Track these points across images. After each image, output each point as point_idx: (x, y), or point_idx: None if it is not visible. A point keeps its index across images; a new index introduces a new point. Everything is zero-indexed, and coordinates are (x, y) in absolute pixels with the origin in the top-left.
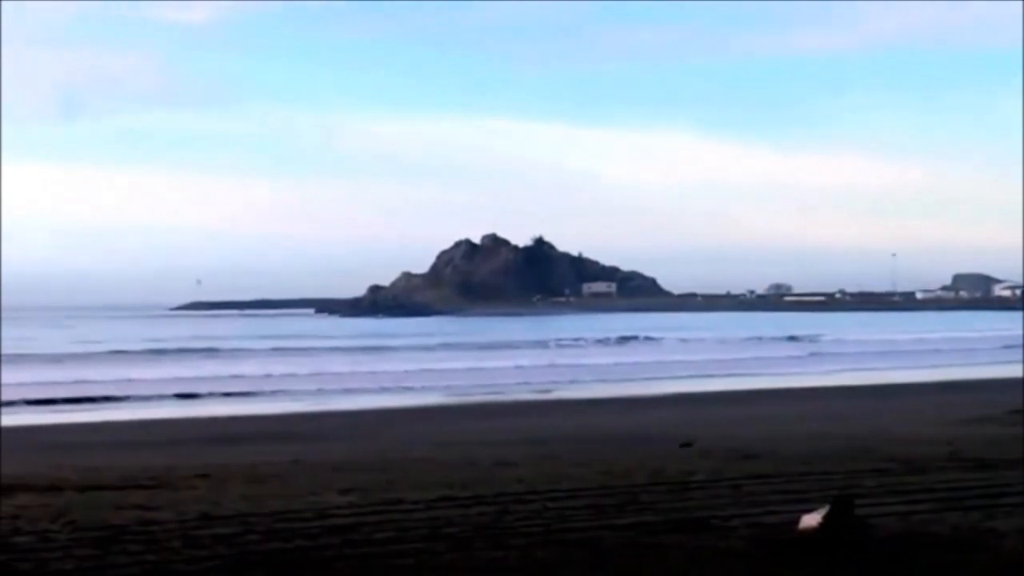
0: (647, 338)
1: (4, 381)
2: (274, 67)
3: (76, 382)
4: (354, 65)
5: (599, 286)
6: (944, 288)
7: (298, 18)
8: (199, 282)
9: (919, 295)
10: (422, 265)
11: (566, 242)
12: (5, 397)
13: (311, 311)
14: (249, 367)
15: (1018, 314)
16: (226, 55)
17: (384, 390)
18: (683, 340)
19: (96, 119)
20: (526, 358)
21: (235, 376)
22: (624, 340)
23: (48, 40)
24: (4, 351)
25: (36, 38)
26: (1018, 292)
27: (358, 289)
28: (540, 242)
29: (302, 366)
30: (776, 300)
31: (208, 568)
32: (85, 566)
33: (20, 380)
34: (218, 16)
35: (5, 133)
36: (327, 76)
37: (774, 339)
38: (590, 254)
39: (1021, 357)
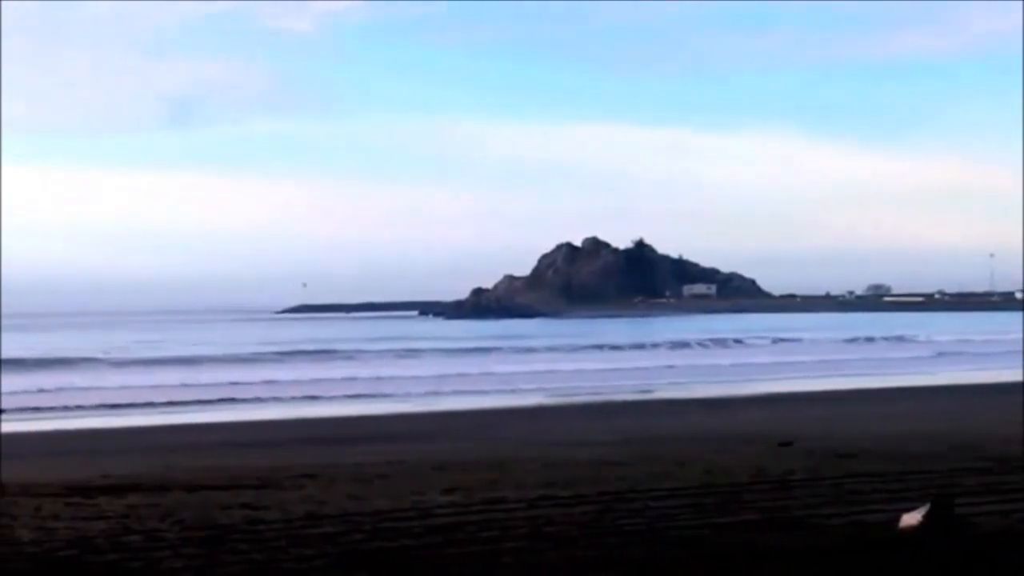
0: (747, 339)
1: (113, 384)
2: (378, 75)
3: (186, 385)
4: (457, 72)
5: (699, 288)
6: None
7: (402, 26)
8: (305, 285)
9: (1018, 295)
10: (524, 268)
11: (666, 244)
12: (116, 399)
13: (415, 313)
14: (355, 369)
15: None
16: (332, 63)
17: (488, 391)
18: (783, 341)
19: (203, 127)
20: (628, 359)
21: (342, 378)
22: (724, 341)
23: (157, 49)
24: (120, 355)
25: (145, 47)
26: None
27: (461, 292)
28: (641, 244)
29: (406, 368)
30: (875, 301)
31: (314, 567)
32: (193, 565)
33: (128, 383)
34: (324, 25)
35: (113, 142)
36: (430, 83)
37: (874, 339)
38: (690, 256)
39: None
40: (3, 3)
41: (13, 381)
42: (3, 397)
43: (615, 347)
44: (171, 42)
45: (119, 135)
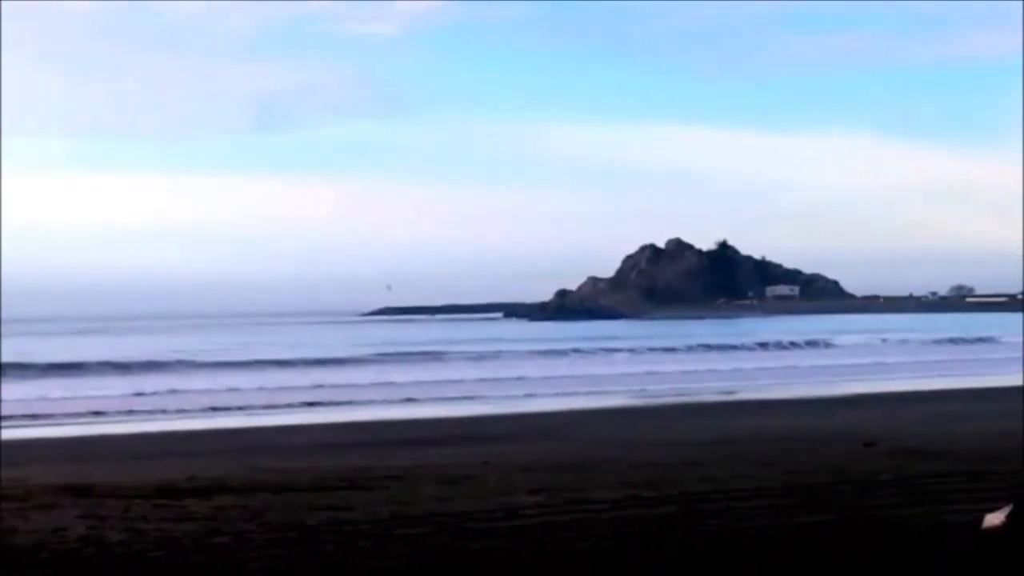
0: (830, 340)
1: (201, 386)
2: (462, 77)
3: (275, 388)
4: (540, 74)
5: (782, 289)
6: None
7: (486, 29)
8: (389, 288)
9: None
10: (608, 269)
11: (750, 245)
12: (204, 402)
13: (499, 315)
14: (440, 371)
15: None
16: (416, 66)
17: (573, 392)
18: (866, 342)
19: (289, 131)
20: (711, 360)
21: (427, 381)
22: (807, 342)
23: (243, 54)
24: (208, 357)
25: (232, 52)
26: None
27: (545, 293)
28: (724, 246)
29: (491, 369)
30: (958, 301)
31: (399, 568)
32: (279, 566)
33: (215, 385)
34: (409, 28)
35: (201, 145)
36: (513, 85)
37: (958, 340)
38: (773, 257)
39: None
40: (91, 10)
41: (107, 383)
42: (98, 400)
43: (699, 348)
44: (256, 46)
45: (206, 139)
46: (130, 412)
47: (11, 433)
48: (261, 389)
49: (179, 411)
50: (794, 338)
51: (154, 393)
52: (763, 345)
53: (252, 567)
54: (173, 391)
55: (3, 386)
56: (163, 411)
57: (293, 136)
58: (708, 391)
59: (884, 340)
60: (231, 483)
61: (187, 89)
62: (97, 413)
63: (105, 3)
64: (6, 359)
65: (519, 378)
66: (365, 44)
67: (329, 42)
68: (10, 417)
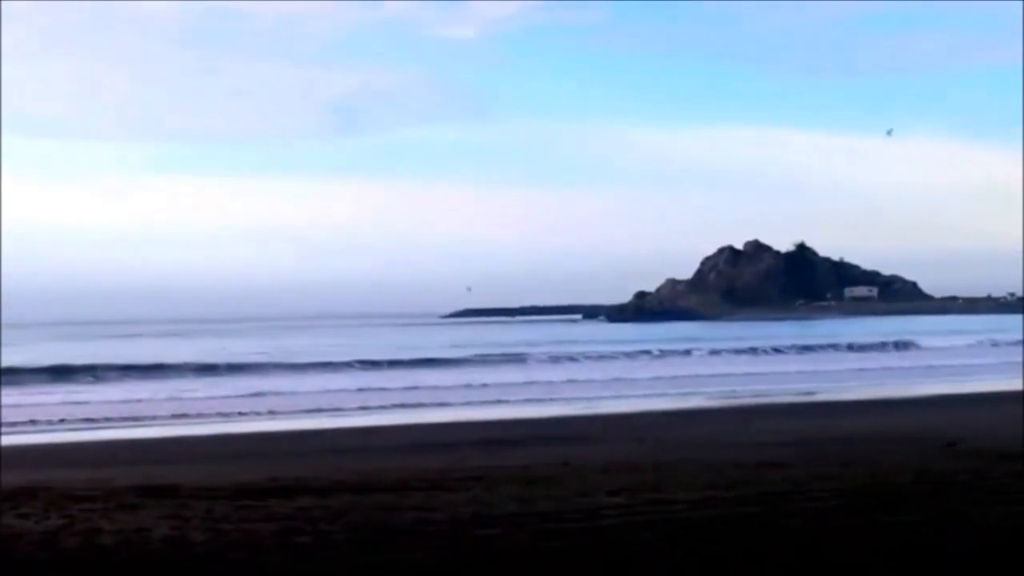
0: (909, 341)
1: (288, 388)
2: (541, 80)
3: (358, 389)
4: (618, 76)
5: (860, 290)
6: None
7: (564, 32)
8: (469, 289)
9: None
10: (686, 271)
11: (827, 247)
12: (291, 404)
13: (578, 317)
14: (520, 372)
15: None
16: (494, 69)
17: (652, 394)
18: (947, 343)
19: (367, 134)
20: (792, 361)
21: (508, 382)
22: (888, 343)
23: (320, 58)
24: (291, 359)
25: (310, 57)
26: None
27: (624, 295)
28: (802, 247)
29: (571, 370)
30: None
31: (480, 568)
32: (361, 566)
33: (299, 387)
34: (487, 31)
35: (281, 148)
36: (591, 87)
37: None
38: (851, 258)
39: None
40: (172, 15)
41: (192, 385)
42: (182, 403)
43: (777, 350)
44: (335, 50)
45: (286, 143)
46: (216, 413)
47: (95, 434)
48: (343, 391)
49: (262, 412)
50: (872, 339)
51: (238, 395)
52: (841, 346)
53: (333, 568)
54: (258, 393)
55: (89, 388)
56: (247, 412)
57: (372, 139)
58: (788, 392)
59: (964, 342)
60: (313, 484)
61: (267, 93)
62: (182, 415)
63: (186, 9)
64: (91, 361)
65: (599, 379)
66: (443, 48)
67: (408, 46)
68: (93, 419)
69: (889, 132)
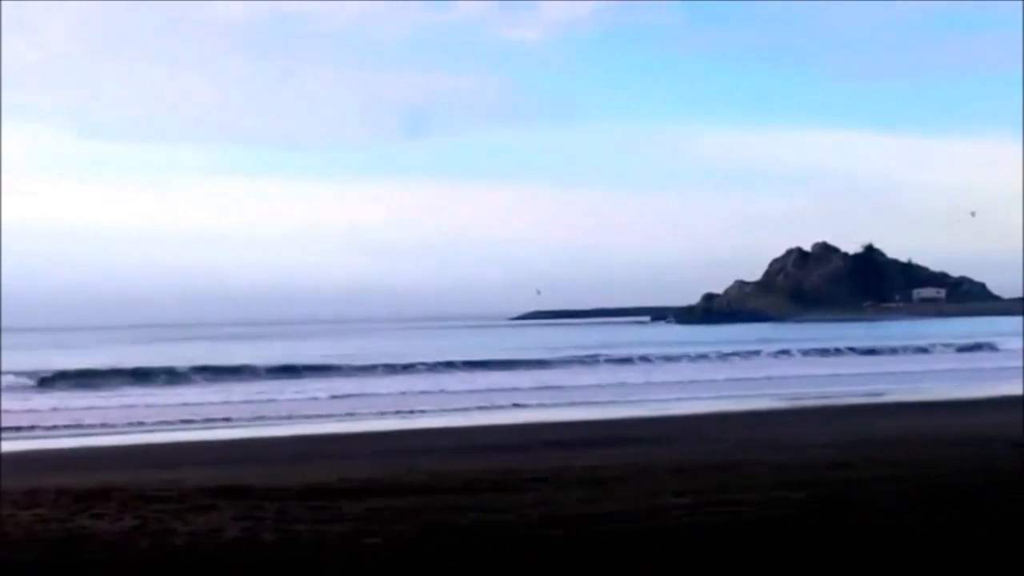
0: (978, 342)
1: (360, 390)
2: (607, 82)
3: (426, 391)
4: (686, 79)
5: (928, 291)
6: None
7: (633, 35)
8: (539, 292)
9: None
10: (754, 273)
11: (895, 248)
12: (362, 407)
13: (647, 319)
14: (589, 374)
15: None
16: (562, 72)
17: (719, 395)
18: (1016, 345)
19: (436, 137)
20: (858, 363)
21: (576, 385)
22: (953, 344)
23: (390, 62)
24: (361, 361)
25: (379, 60)
26: None
27: (692, 297)
28: (870, 249)
29: (640, 372)
30: None
31: (549, 568)
32: (429, 566)
33: (367, 389)
34: (555, 34)
35: (350, 153)
36: (659, 90)
37: None
38: (919, 260)
39: None
40: (245, 20)
41: (256, 388)
42: (254, 405)
43: (845, 351)
44: (404, 54)
45: (356, 146)
46: (288, 415)
47: (168, 436)
48: (413, 392)
49: (335, 414)
50: (940, 341)
51: (311, 397)
52: (909, 348)
53: (403, 568)
54: (330, 395)
55: (162, 390)
56: (319, 414)
57: (441, 142)
58: (856, 393)
59: None
60: (383, 485)
61: (337, 97)
62: (255, 417)
63: (257, 13)
64: (165, 364)
65: (667, 381)
66: (512, 51)
67: (476, 49)
68: (164, 422)
69: (973, 214)
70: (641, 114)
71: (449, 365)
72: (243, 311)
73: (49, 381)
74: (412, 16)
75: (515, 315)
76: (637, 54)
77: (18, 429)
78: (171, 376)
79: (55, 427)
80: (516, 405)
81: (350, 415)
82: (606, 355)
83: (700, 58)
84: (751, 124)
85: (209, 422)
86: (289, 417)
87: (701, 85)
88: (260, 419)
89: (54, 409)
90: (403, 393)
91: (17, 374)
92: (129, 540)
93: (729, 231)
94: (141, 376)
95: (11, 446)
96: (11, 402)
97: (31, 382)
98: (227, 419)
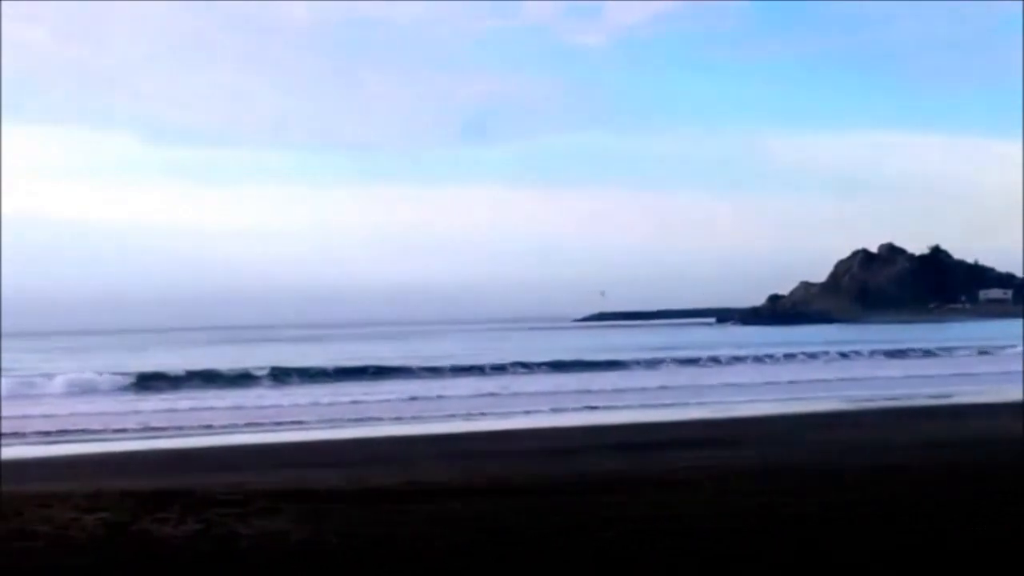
0: None
1: (426, 392)
2: (672, 86)
3: (494, 394)
4: (752, 83)
5: (995, 292)
6: None
7: (698, 38)
8: (603, 294)
9: None
10: (820, 274)
11: (961, 249)
12: (430, 409)
13: (712, 320)
14: (657, 376)
15: None
16: (625, 76)
17: (788, 397)
18: None
19: (502, 141)
20: (924, 364)
21: (645, 387)
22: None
23: (455, 66)
24: (433, 363)
25: (445, 65)
26: None
27: (757, 298)
28: (936, 250)
29: (708, 375)
30: None
31: (608, 572)
32: (499, 568)
33: (439, 391)
34: (620, 38)
35: (415, 157)
36: (726, 94)
37: None
38: (986, 261)
39: None
40: (308, 23)
41: (329, 390)
42: (318, 408)
43: (911, 352)
44: (469, 58)
45: (420, 150)
46: (356, 418)
47: (232, 439)
48: (481, 395)
49: (403, 417)
50: (1012, 341)
51: (378, 399)
52: (979, 349)
53: (469, 571)
54: (398, 397)
55: (228, 393)
56: (387, 416)
57: (506, 146)
58: (921, 395)
59: None
60: (449, 487)
61: (404, 100)
62: (322, 420)
63: (323, 16)
64: (233, 366)
65: (735, 383)
66: (576, 55)
67: (541, 53)
68: (231, 425)
69: None
70: (706, 117)
71: (514, 367)
72: (310, 314)
73: (123, 384)
74: (477, 20)
75: (579, 317)
76: (701, 58)
77: (84, 431)
78: (240, 378)
79: (123, 430)
80: (584, 407)
81: (418, 417)
82: (674, 356)
83: (766, 60)
84: (817, 126)
85: (277, 425)
86: (357, 419)
87: (767, 88)
88: (328, 421)
89: (122, 412)
90: (472, 395)
91: (89, 376)
92: (192, 543)
93: (794, 232)
94: (210, 378)
95: (76, 448)
96: (81, 404)
97: (110, 384)
98: (296, 422)
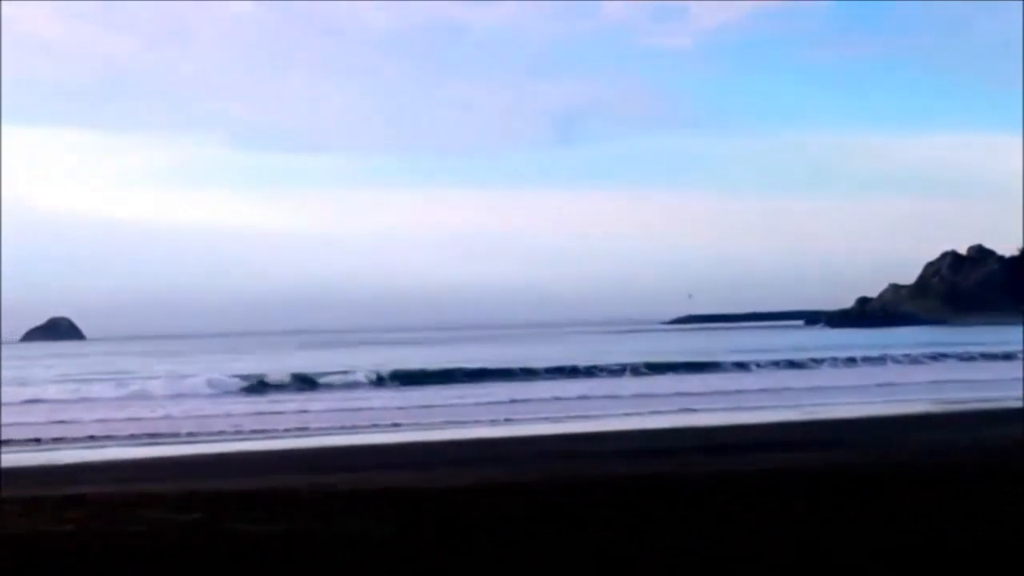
0: None
1: (518, 396)
2: (759, 88)
3: (582, 396)
4: (838, 84)
5: None
6: None
7: (784, 39)
8: (691, 296)
9: None
10: (908, 276)
11: None
12: (523, 411)
13: (800, 322)
14: (746, 379)
15: None
16: (712, 77)
17: (878, 400)
18: None
19: (586, 143)
20: (1016, 367)
21: (733, 389)
22: None
23: (538, 69)
24: (536, 365)
25: (527, 68)
26: None
27: (846, 300)
28: None
29: (797, 377)
30: None
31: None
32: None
33: (526, 395)
34: (704, 40)
35: (499, 161)
36: (812, 95)
37: None
38: None
39: None
40: (389, 28)
41: (425, 393)
42: (390, 412)
43: (1002, 355)
44: (551, 61)
45: (504, 154)
46: (454, 420)
47: (324, 441)
48: (571, 398)
49: (497, 420)
50: None
51: (475, 402)
52: None
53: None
54: (514, 400)
55: (323, 395)
56: (487, 419)
57: (591, 149)
58: (1012, 397)
59: None
60: (523, 487)
61: (487, 104)
62: (418, 423)
63: (406, 21)
64: (320, 369)
65: (822, 385)
66: (660, 57)
67: (624, 55)
68: (320, 428)
69: None
70: (792, 119)
71: (604, 369)
72: (396, 318)
73: (223, 388)
74: (560, 23)
75: (667, 319)
76: (786, 59)
77: (179, 435)
78: (338, 382)
79: (220, 432)
80: (666, 410)
81: (512, 420)
82: (760, 359)
83: (851, 62)
84: (904, 127)
85: (375, 427)
86: (451, 421)
87: (853, 89)
88: (420, 424)
89: (220, 415)
90: (570, 397)
91: (213, 378)
92: (274, 541)
93: (882, 234)
94: (305, 382)
95: (170, 451)
96: (176, 407)
97: (211, 388)
98: (393, 424)
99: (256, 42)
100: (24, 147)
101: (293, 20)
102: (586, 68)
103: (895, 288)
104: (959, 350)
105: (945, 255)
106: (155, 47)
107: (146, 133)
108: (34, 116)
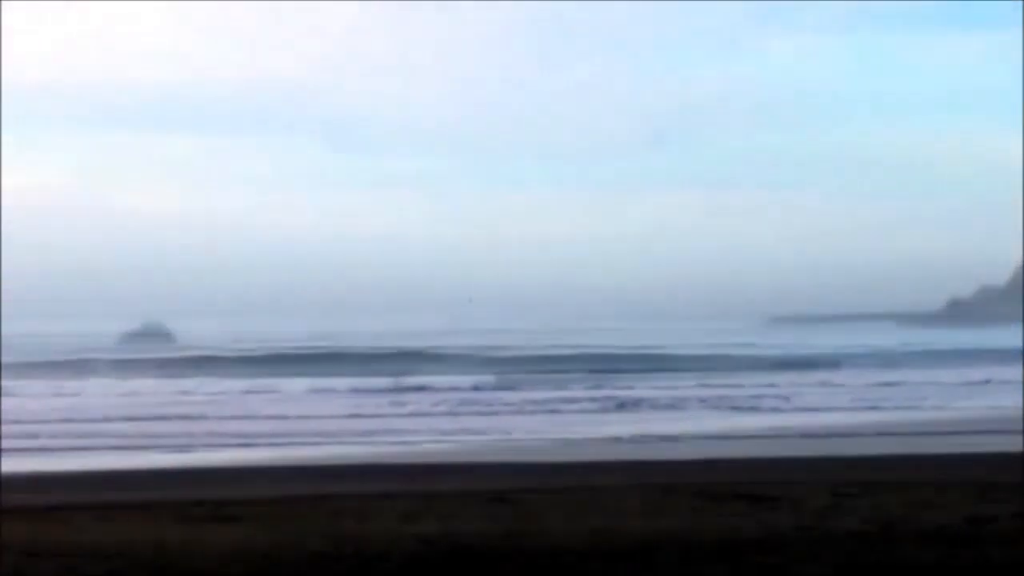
0: None
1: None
2: (863, 86)
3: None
4: (944, 80)
5: None
6: None
7: (891, 34)
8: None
9: None
10: (1000, 277)
11: None
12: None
13: (891, 323)
14: (833, 378)
15: None
16: (816, 76)
17: (969, 404)
18: None
19: (680, 145)
20: None
21: (821, 389)
22: None
23: (641, 69)
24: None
25: (629, 71)
26: None
27: (936, 302)
28: None
29: (887, 378)
30: None
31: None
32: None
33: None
34: (810, 37)
35: (604, 162)
36: (912, 92)
37: None
38: None
39: None
40: (488, 26)
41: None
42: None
43: None
44: (653, 61)
45: (607, 155)
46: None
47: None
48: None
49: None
50: None
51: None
52: None
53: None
54: (609, 399)
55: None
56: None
57: (690, 150)
58: None
59: None
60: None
61: (592, 103)
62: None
63: (510, 17)
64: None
65: (911, 384)
66: (761, 57)
67: (729, 53)
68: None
69: None
70: (894, 116)
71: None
72: (492, 321)
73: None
74: (665, 20)
75: (766, 318)
76: (881, 56)
77: (262, 436)
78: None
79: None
80: (748, 409)
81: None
82: (850, 359)
83: (948, 58)
84: (997, 125)
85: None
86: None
87: (965, 84)
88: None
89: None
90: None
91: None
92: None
93: (973, 234)
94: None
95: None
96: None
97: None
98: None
99: (354, 43)
100: (120, 149)
101: (391, 20)
102: (691, 66)
103: (986, 289)
104: None
105: None
106: (252, 51)
107: (243, 137)
108: (132, 121)
